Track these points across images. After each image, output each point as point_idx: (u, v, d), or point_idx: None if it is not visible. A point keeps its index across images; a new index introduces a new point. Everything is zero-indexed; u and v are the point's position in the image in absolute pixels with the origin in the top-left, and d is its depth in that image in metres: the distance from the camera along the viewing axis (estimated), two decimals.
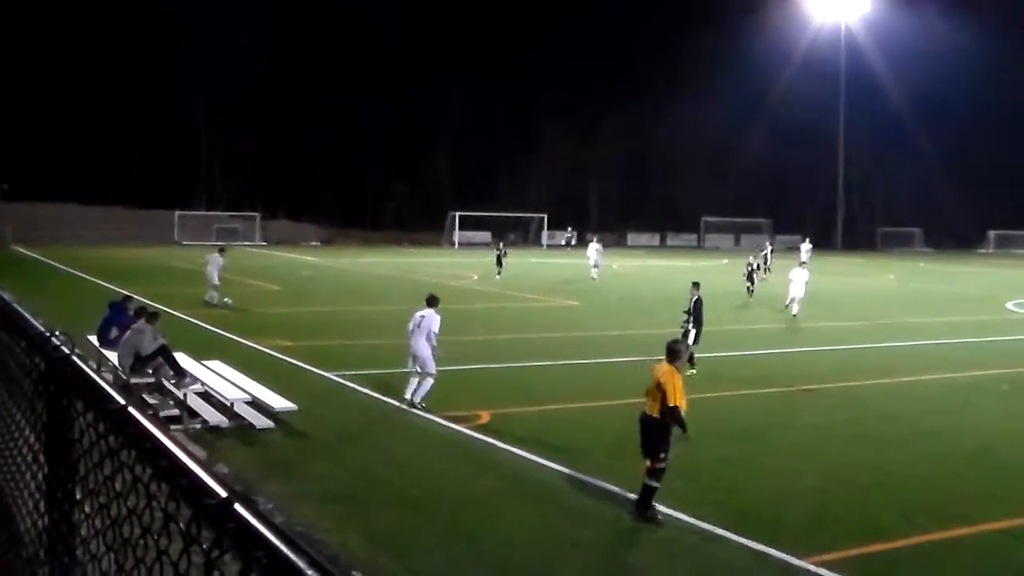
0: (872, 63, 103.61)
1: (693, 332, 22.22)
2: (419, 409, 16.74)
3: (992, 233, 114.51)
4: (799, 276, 34.20)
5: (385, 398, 18.03)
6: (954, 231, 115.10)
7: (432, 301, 17.72)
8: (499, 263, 50.33)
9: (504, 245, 53.34)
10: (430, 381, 16.91)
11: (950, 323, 34.64)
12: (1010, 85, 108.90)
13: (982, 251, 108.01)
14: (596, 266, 50.21)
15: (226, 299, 33.56)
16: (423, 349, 16.95)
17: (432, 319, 17.18)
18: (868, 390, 20.91)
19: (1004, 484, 13.72)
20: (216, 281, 33.54)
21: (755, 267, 40.10)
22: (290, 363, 21.94)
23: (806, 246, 59.01)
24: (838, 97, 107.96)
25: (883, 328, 32.40)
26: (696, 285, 23.12)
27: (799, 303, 33.97)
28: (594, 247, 51.64)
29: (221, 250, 35.02)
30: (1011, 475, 14.21)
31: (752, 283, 39.50)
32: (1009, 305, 41.46)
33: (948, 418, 18.12)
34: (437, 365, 17.21)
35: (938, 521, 11.82)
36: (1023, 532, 11.66)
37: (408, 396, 17.07)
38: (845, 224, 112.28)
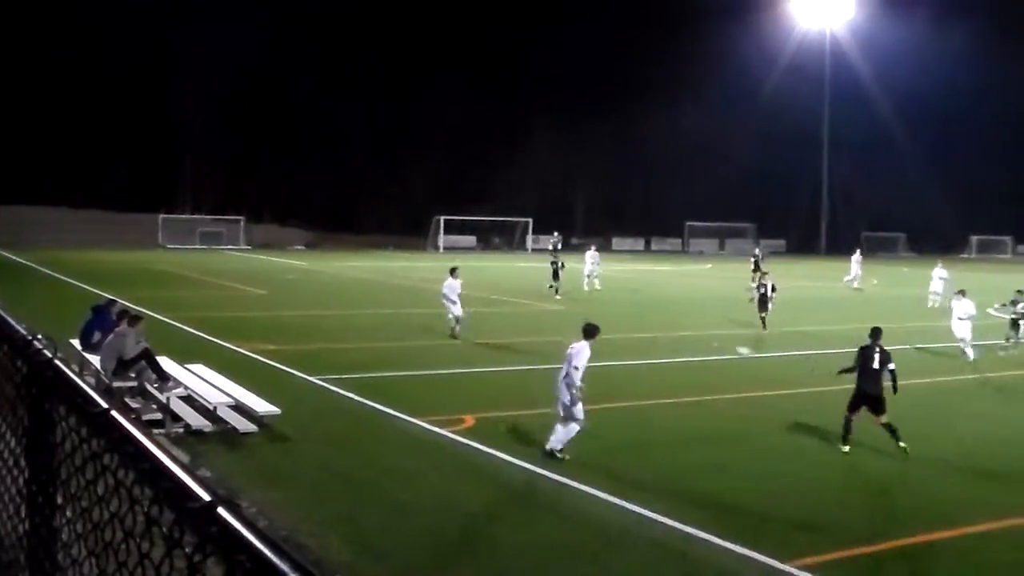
0: (857, 68, 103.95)
1: None
2: (558, 456, 14.23)
3: (974, 238, 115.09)
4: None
5: (369, 402, 17.99)
6: (937, 236, 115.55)
7: (589, 331, 15.11)
8: (556, 276, 43.00)
9: (555, 254, 46.15)
10: (574, 427, 14.32)
11: (932, 327, 34.72)
12: (994, 91, 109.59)
13: (964, 256, 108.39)
14: (590, 275, 47.08)
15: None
16: (562, 389, 14.54)
17: (577, 352, 14.63)
18: (847, 394, 20.91)
19: (986, 487, 13.80)
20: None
21: (768, 289, 32.07)
22: (274, 367, 21.88)
23: (856, 257, 57.81)
24: (823, 102, 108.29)
25: (866, 332, 32.40)
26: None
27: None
28: (590, 255, 48.47)
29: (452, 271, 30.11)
30: (993, 479, 14.27)
31: (765, 310, 31.97)
32: (991, 310, 41.60)
33: (931, 422, 18.19)
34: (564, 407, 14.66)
35: (920, 524, 11.86)
36: (1004, 534, 11.72)
37: (549, 447, 14.49)
38: (829, 229, 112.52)
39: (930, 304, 40.28)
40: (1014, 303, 27.20)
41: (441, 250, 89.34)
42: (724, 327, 32.74)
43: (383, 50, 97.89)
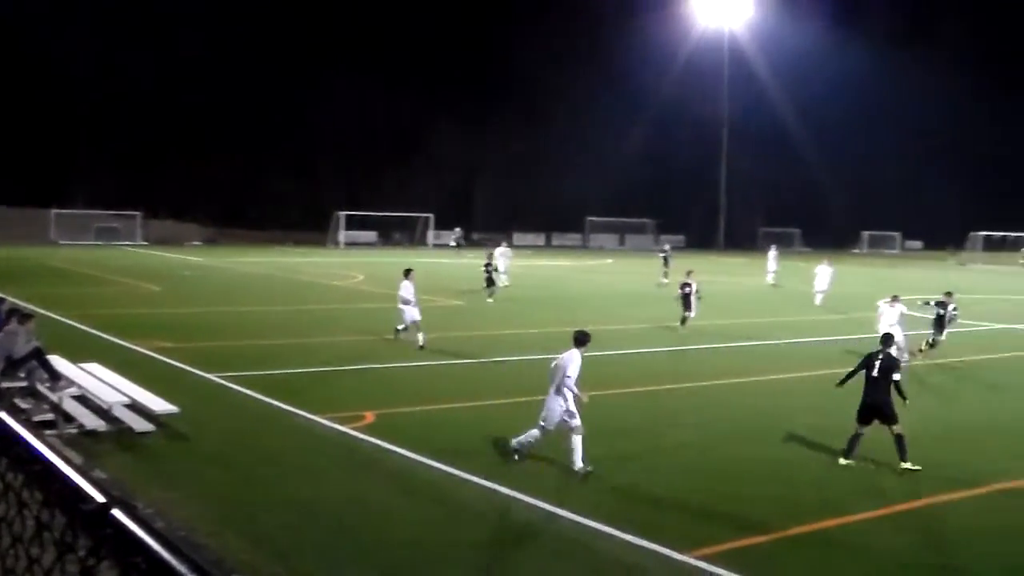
0: (755, 67, 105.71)
1: None
2: (589, 470, 13.45)
3: (866, 234, 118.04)
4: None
5: (269, 399, 17.79)
6: (831, 231, 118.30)
7: (579, 339, 14.42)
8: (490, 283, 39.33)
9: (490, 256, 41.53)
10: (579, 440, 13.58)
11: (828, 321, 35.52)
12: (887, 90, 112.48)
13: (856, 251, 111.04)
14: (504, 272, 45.52)
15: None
16: (552, 400, 13.87)
17: (568, 360, 14.03)
18: (750, 386, 21.34)
19: (877, 477, 14.13)
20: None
21: (692, 289, 30.90)
22: (171, 365, 21.51)
23: (773, 253, 57.75)
24: (722, 99, 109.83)
25: (765, 326, 33.07)
26: None
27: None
28: (500, 251, 47.14)
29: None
30: (883, 468, 14.62)
31: (689, 309, 30.85)
32: (879, 303, 42.61)
33: (823, 414, 18.55)
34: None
35: (816, 513, 12.11)
36: (893, 521, 12.03)
37: (514, 443, 14.19)
38: (727, 224, 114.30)
39: (817, 303, 39.99)
40: (942, 304, 26.48)
41: (342, 246, 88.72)
42: (626, 321, 33.06)
43: (282, 43, 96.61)
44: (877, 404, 14.68)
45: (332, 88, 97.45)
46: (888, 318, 24.42)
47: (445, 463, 13.78)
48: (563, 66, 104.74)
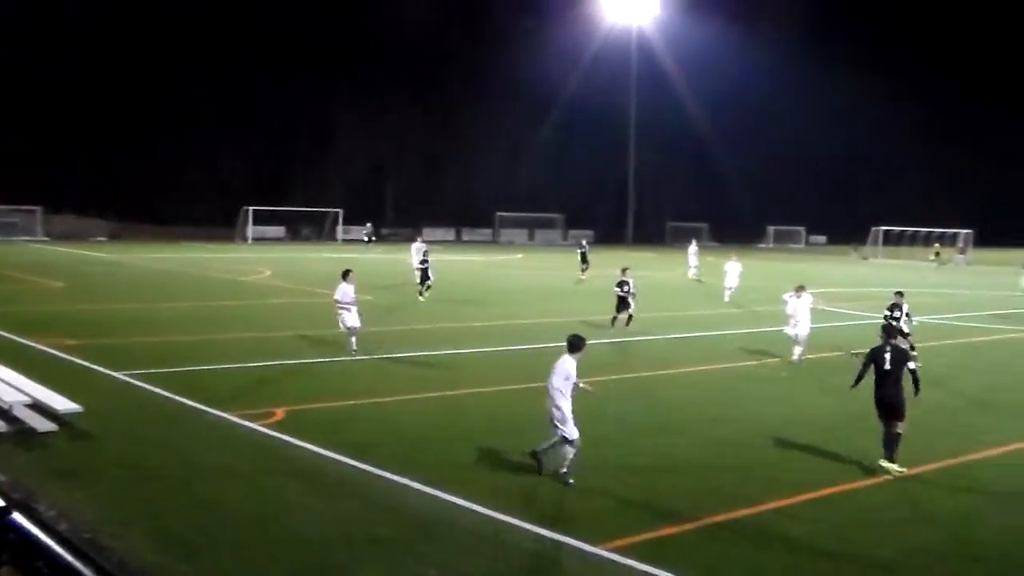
0: (662, 63, 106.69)
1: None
2: (561, 482, 12.89)
3: (771, 228, 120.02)
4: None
5: (177, 397, 17.55)
6: (737, 226, 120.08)
7: (573, 344, 13.75)
8: (423, 280, 38.15)
9: (425, 253, 39.33)
10: (568, 450, 13.01)
11: (735, 314, 36.08)
12: (789, 87, 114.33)
13: (762, 245, 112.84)
14: (419, 270, 43.33)
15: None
16: (551, 403, 13.24)
17: (560, 364, 13.44)
18: (659, 379, 21.60)
19: (783, 467, 14.43)
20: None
21: (629, 288, 29.27)
22: (75, 363, 21.08)
23: (693, 248, 57.75)
24: (630, 95, 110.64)
25: (674, 319, 33.47)
26: None
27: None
28: (417, 247, 44.51)
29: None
30: (789, 458, 14.94)
31: (626, 308, 29.22)
32: (785, 296, 43.39)
33: (734, 406, 18.89)
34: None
35: (725, 503, 12.32)
36: (797, 510, 12.30)
37: (538, 448, 13.51)
38: (636, 219, 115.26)
39: (727, 299, 40.18)
40: (895, 307, 24.58)
41: (250, 241, 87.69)
42: (542, 315, 33.21)
43: (189, 36, 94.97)
44: (889, 398, 14.16)
45: (240, 82, 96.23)
46: (801, 312, 24.07)
47: (356, 459, 13.74)
48: (473, 62, 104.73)
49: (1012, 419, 18.43)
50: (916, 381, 14.23)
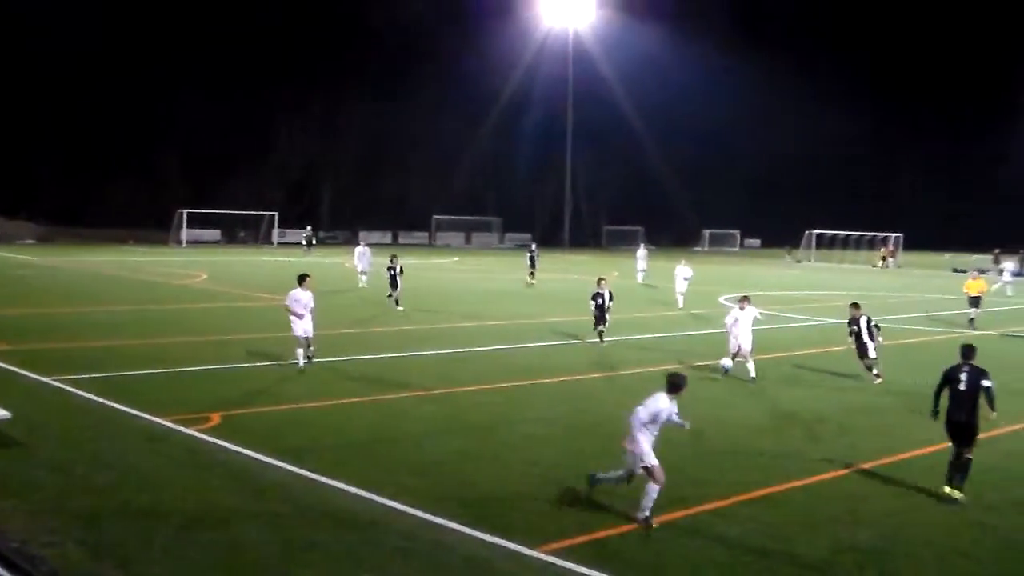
0: (599, 67, 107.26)
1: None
2: (640, 523, 11.74)
3: (706, 232, 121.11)
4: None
5: (110, 402, 17.30)
6: (673, 229, 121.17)
7: (673, 385, 12.46)
8: (394, 284, 36.15)
9: (393, 259, 37.12)
10: (652, 487, 11.77)
11: (670, 317, 36.35)
12: (724, 92, 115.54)
13: (697, 248, 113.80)
14: (363, 272, 45.37)
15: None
16: (638, 439, 12.06)
17: (653, 401, 12.24)
18: (595, 382, 21.68)
19: (714, 468, 14.58)
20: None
21: (605, 299, 27.86)
22: (2, 368, 20.70)
23: (641, 252, 57.56)
24: (566, 100, 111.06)
25: (619, 322, 33.58)
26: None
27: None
28: (360, 251, 46.41)
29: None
30: (720, 459, 15.09)
31: (603, 321, 27.95)
32: (721, 299, 43.88)
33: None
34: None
35: (658, 506, 12.38)
36: (733, 511, 12.43)
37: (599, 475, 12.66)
38: (572, 222, 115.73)
39: (680, 307, 39.55)
40: (854, 321, 23.07)
41: (184, 244, 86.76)
42: (481, 318, 33.19)
43: (121, 37, 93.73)
44: (963, 422, 13.19)
45: (174, 84, 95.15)
46: (744, 324, 22.52)
47: (293, 463, 13.65)
48: (409, 65, 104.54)
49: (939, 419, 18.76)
50: (990, 400, 13.23)
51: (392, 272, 35.81)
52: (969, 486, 13.52)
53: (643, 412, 12.12)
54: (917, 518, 12.46)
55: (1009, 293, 52.75)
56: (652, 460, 11.87)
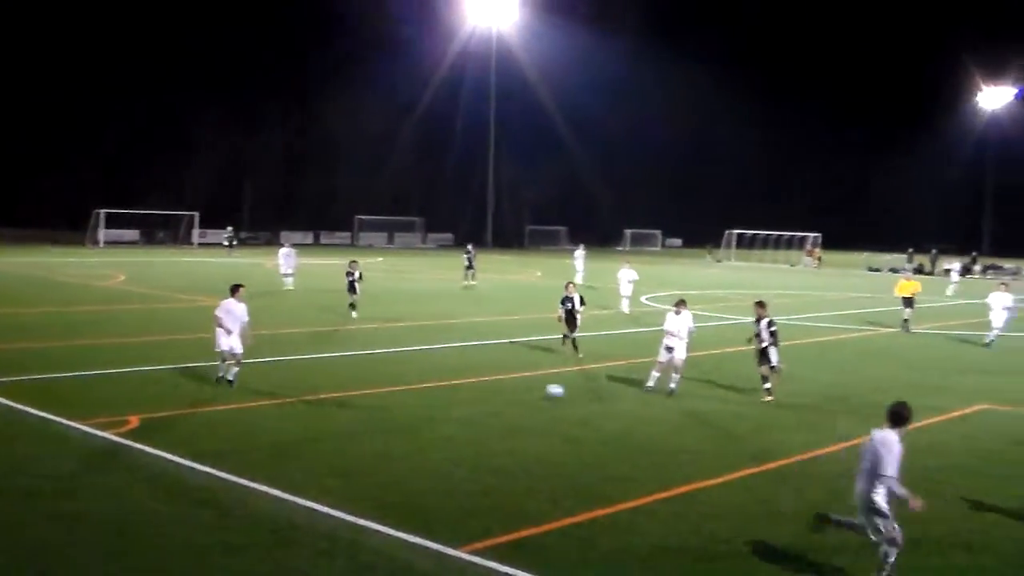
0: (522, 69, 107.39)
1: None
2: None
3: (628, 232, 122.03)
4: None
5: (25, 406, 16.98)
6: (596, 229, 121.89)
7: (898, 416, 10.47)
8: (352, 289, 33.93)
9: (352, 264, 34.73)
10: (891, 551, 10.15)
11: (592, 316, 36.55)
12: (647, 93, 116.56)
13: (620, 248, 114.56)
14: (288, 275, 44.06)
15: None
16: (861, 491, 10.35)
17: (883, 443, 10.23)
18: (515, 382, 21.76)
19: (638, 465, 14.73)
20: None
21: (575, 303, 25.81)
22: None
23: (579, 253, 57.16)
24: (490, 99, 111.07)
25: (528, 322, 33.74)
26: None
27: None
28: (284, 252, 44.98)
29: None
30: (644, 456, 15.26)
31: (574, 327, 25.87)
32: (644, 299, 44.31)
33: (590, 406, 19.16)
34: None
35: (582, 503, 12.50)
36: (652, 509, 12.57)
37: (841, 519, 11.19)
38: (495, 223, 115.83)
39: (627, 312, 38.19)
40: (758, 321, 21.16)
41: (102, 245, 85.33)
42: (408, 318, 33.11)
43: (35, 35, 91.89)
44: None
45: (91, 81, 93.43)
46: (681, 331, 20.94)
47: (212, 466, 13.54)
48: (332, 65, 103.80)
49: (856, 414, 19.15)
50: None
51: (351, 278, 33.86)
52: None
53: (887, 467, 10.05)
54: (832, 512, 12.71)
55: (949, 293, 53.88)
56: (897, 531, 10.16)
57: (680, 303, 21.51)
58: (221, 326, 19.67)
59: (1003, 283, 33.75)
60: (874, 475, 10.16)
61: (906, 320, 34.72)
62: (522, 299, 43.66)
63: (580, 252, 56.12)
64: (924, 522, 12.37)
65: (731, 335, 31.51)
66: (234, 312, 19.76)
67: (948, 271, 61.71)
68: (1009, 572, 10.94)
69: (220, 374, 19.91)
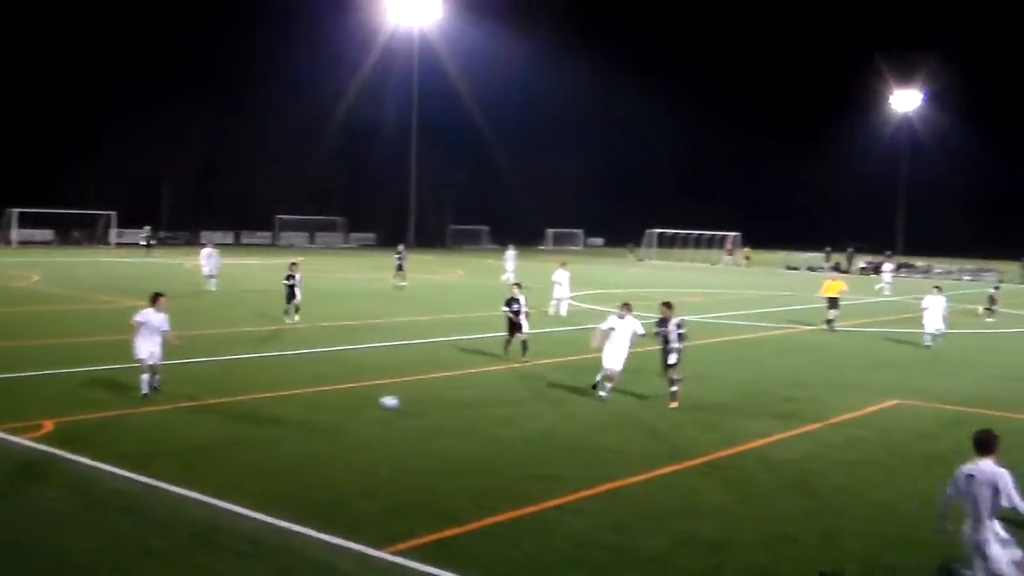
0: (444, 67, 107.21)
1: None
2: None
3: (550, 231, 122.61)
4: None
5: None
6: (518, 229, 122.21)
7: (986, 444, 9.48)
8: (291, 296, 32.53)
9: (292, 267, 33.19)
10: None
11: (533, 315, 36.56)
12: (566, 93, 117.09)
13: (542, 247, 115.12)
14: (212, 276, 43.19)
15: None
16: (985, 541, 9.20)
17: (996, 476, 9.17)
18: (438, 382, 21.74)
19: (559, 464, 14.80)
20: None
21: (521, 308, 24.98)
22: None
23: (510, 253, 56.69)
24: (412, 98, 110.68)
25: (452, 322, 33.75)
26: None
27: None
28: (207, 253, 43.95)
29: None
30: (569, 455, 15.33)
31: (520, 329, 25.06)
32: (569, 298, 44.42)
33: (513, 406, 19.20)
34: None
35: (507, 503, 12.53)
36: (575, 507, 12.63)
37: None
38: (418, 222, 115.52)
39: (551, 312, 36.94)
40: (663, 322, 20.20)
41: (15, 244, 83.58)
42: (331, 319, 32.88)
43: None
44: None
45: (3, 78, 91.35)
46: (621, 338, 20.09)
47: (130, 470, 13.33)
48: (252, 63, 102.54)
49: (772, 410, 19.46)
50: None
51: (292, 282, 32.03)
52: (796, 474, 14.41)
53: (1012, 489, 9.08)
54: (749, 508, 12.90)
55: (887, 292, 54.81)
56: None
57: (625, 306, 20.70)
58: (138, 336, 18.66)
59: (936, 286, 33.93)
60: (989, 512, 9.17)
61: (830, 320, 34.81)
62: (445, 299, 43.61)
63: (511, 253, 55.98)
64: (835, 515, 12.64)
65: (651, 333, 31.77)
66: (152, 322, 18.77)
67: (879, 270, 62.32)
68: (925, 567, 11.17)
69: (144, 391, 18.48)
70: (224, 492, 12.42)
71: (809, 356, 28.33)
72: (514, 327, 24.90)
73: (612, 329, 20.05)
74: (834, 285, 35.59)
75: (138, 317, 18.85)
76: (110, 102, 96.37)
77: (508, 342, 25.09)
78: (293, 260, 33.47)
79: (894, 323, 37.75)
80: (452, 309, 38.40)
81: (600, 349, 20.13)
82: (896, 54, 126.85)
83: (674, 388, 19.66)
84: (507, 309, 25.04)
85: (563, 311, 36.76)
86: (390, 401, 18.04)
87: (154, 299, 19.27)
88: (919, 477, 14.79)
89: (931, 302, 31.43)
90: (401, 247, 51.94)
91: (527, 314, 25.04)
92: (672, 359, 19.67)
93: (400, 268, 49.57)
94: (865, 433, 17.81)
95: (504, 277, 53.00)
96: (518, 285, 26.15)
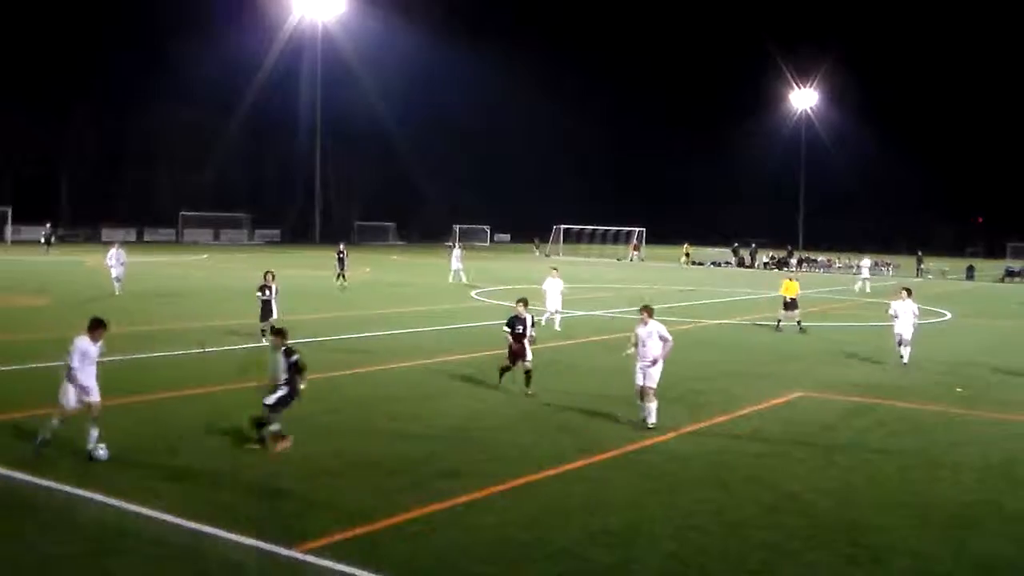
0: (348, 62, 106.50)
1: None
2: None
3: (456, 227, 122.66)
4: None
5: None
6: (423, 225, 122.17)
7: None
8: (267, 313, 27.70)
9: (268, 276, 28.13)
10: None
11: (422, 312, 36.58)
12: (471, 88, 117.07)
13: (448, 244, 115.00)
14: (119, 279, 40.74)
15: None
16: None
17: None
18: (346, 379, 21.61)
19: (468, 460, 14.83)
20: None
21: (527, 329, 20.58)
22: None
23: (457, 253, 55.31)
24: (316, 93, 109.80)
25: (362, 319, 33.56)
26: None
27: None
28: (114, 252, 41.56)
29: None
30: (479, 451, 15.37)
31: (525, 359, 20.46)
32: (473, 294, 44.58)
33: (423, 402, 19.18)
34: None
35: (417, 499, 12.51)
36: (485, 503, 12.69)
37: None
38: (323, 218, 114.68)
39: (557, 328, 33.96)
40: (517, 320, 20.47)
41: None
42: (239, 316, 32.49)
43: None
44: None
45: None
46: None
47: (30, 474, 13.03)
48: (155, 57, 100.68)
49: (680, 402, 19.74)
50: None
51: (267, 295, 27.44)
52: (704, 466, 14.73)
53: None
54: (658, 500, 13.07)
55: (867, 290, 55.21)
56: None
57: (521, 301, 20.70)
58: (73, 380, 14.38)
59: (906, 288, 28.14)
60: None
61: (789, 322, 34.10)
62: (351, 296, 43.30)
63: (457, 252, 54.99)
64: (743, 505, 12.86)
65: (564, 330, 31.97)
66: (90, 354, 14.65)
67: (859, 268, 61.04)
68: (839, 562, 11.40)
69: (46, 436, 14.27)
70: (131, 495, 12.20)
71: (715, 349, 28.76)
72: (515, 353, 20.52)
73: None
74: (792, 286, 34.86)
75: (74, 353, 14.46)
76: (4, 92, 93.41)
77: (506, 369, 20.66)
78: (268, 270, 28.94)
79: (810, 316, 38.45)
80: (359, 306, 38.17)
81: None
82: (796, 54, 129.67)
83: (530, 386, 20.22)
84: (508, 330, 20.67)
85: (556, 325, 32.33)
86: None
87: (93, 327, 14.91)
88: (823, 467, 15.13)
89: (900, 308, 26.78)
90: (342, 246, 49.72)
91: (532, 338, 20.76)
92: (529, 355, 20.30)
93: (341, 267, 47.57)
94: (772, 424, 18.15)
95: (452, 279, 52.26)
96: (523, 301, 21.13)
